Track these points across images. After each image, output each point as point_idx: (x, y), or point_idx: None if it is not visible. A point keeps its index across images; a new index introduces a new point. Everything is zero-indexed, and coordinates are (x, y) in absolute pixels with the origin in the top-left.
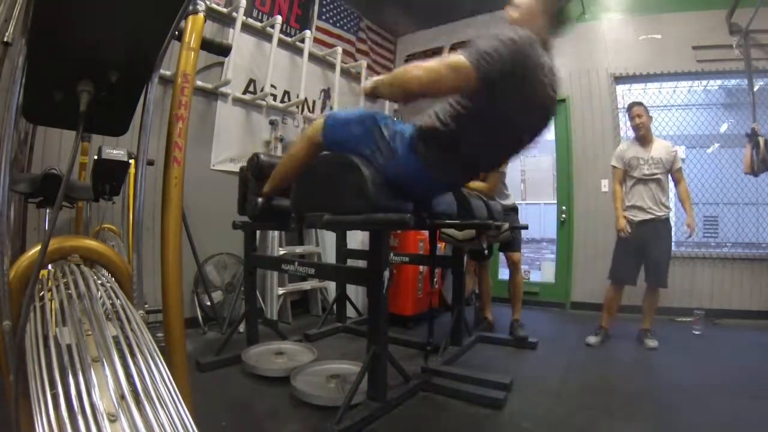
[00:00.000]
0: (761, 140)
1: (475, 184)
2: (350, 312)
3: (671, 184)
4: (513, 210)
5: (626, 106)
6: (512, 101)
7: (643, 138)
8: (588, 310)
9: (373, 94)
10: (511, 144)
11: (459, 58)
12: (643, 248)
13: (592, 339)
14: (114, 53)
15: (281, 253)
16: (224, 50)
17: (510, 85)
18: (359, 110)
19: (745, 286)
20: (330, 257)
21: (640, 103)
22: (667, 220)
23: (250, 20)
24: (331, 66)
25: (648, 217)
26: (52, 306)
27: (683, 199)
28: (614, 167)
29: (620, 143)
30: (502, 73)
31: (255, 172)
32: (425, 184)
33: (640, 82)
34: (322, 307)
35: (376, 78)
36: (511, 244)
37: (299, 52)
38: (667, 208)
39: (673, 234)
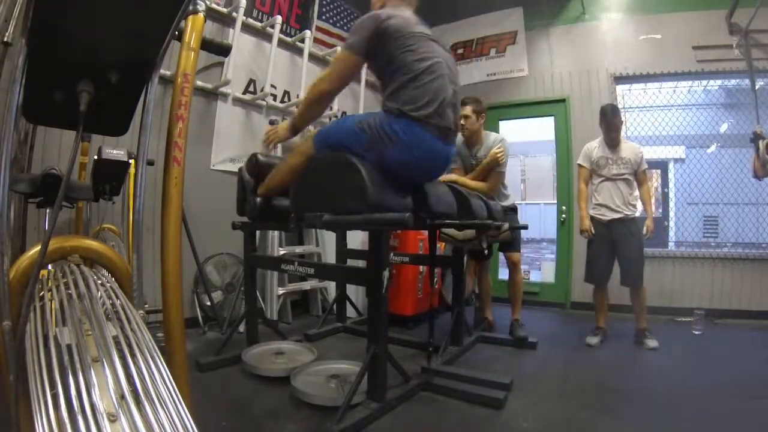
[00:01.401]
0: (762, 144)
1: (475, 183)
2: (350, 312)
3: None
4: (512, 210)
5: (602, 108)
6: (393, 42)
7: (613, 140)
8: (588, 310)
9: (294, 132)
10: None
11: (341, 53)
12: (614, 247)
13: (592, 339)
14: (114, 53)
15: (281, 253)
16: (224, 50)
17: (381, 37)
18: (342, 119)
19: (745, 286)
20: (330, 257)
21: (617, 112)
22: (635, 219)
23: (250, 20)
24: None
25: (617, 216)
26: (52, 306)
27: (645, 201)
28: (581, 166)
29: (588, 143)
30: (368, 38)
31: (254, 172)
32: (428, 149)
33: (640, 82)
34: (322, 307)
35: (283, 124)
36: (511, 244)
37: (299, 52)
38: (635, 207)
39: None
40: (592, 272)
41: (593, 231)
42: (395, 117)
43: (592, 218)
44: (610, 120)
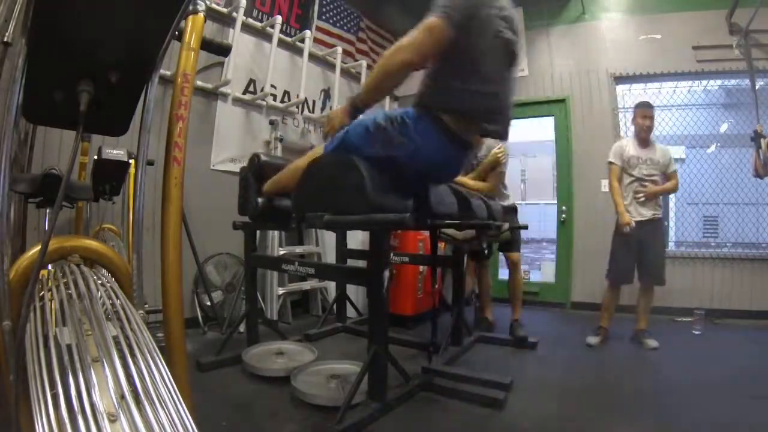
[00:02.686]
0: (763, 142)
1: (476, 183)
2: (350, 312)
3: None
4: (513, 210)
5: (636, 103)
6: (481, 39)
7: (644, 140)
8: (588, 310)
9: (355, 112)
10: (493, 82)
11: (430, 20)
12: (640, 248)
13: (592, 339)
14: (114, 53)
15: (281, 253)
16: (224, 50)
17: (476, 24)
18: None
19: (745, 286)
20: (330, 257)
21: (650, 105)
22: (661, 220)
23: (250, 20)
24: (331, 66)
25: (644, 218)
26: (52, 306)
27: (666, 187)
28: (612, 163)
29: (619, 140)
30: (466, 13)
31: (255, 172)
32: (441, 155)
33: (640, 82)
34: (322, 307)
35: (353, 96)
36: (511, 244)
37: (299, 52)
38: (661, 208)
39: (671, 235)
40: (616, 271)
41: (633, 224)
42: (425, 119)
43: (617, 220)
44: (645, 110)
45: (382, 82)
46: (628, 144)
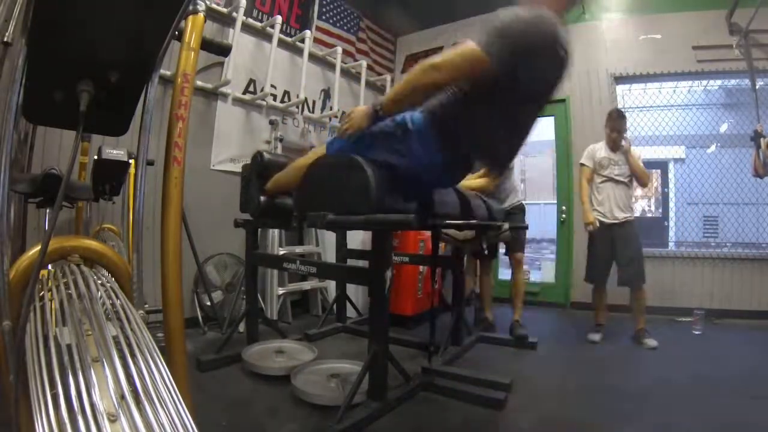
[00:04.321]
0: (763, 142)
1: (475, 182)
2: (350, 312)
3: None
4: (521, 210)
5: (609, 112)
6: (527, 74)
7: (614, 142)
8: (588, 310)
9: (376, 118)
10: (521, 130)
11: (472, 48)
12: (613, 250)
13: (594, 336)
14: (114, 53)
15: (281, 252)
16: (224, 50)
17: (524, 61)
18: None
19: (745, 286)
20: (330, 257)
21: (618, 117)
22: (633, 222)
23: (250, 20)
24: (331, 66)
25: (615, 221)
26: (52, 306)
27: (642, 167)
28: (584, 165)
29: (591, 144)
30: (514, 52)
31: (258, 169)
32: (439, 168)
33: (640, 82)
34: (322, 307)
35: (360, 108)
36: (515, 243)
37: (299, 52)
38: (633, 209)
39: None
40: (592, 273)
41: (597, 224)
42: (433, 125)
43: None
44: (615, 123)
45: (409, 96)
46: (600, 147)
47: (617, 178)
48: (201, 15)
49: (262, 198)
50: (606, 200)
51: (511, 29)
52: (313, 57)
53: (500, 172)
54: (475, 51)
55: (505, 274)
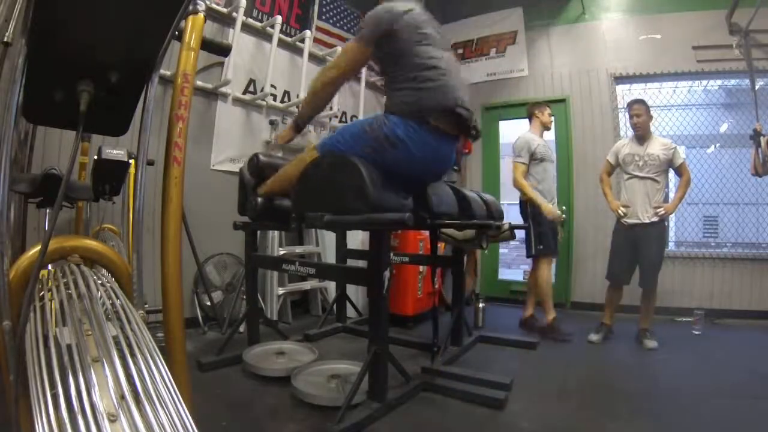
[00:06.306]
0: (763, 140)
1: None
2: (350, 312)
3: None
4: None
5: (627, 102)
6: (404, 40)
7: (641, 137)
8: (588, 310)
9: (297, 128)
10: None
11: (351, 45)
12: (636, 250)
13: (594, 336)
14: (114, 53)
15: (281, 253)
16: (224, 50)
17: (394, 32)
18: (347, 125)
19: (745, 286)
20: (330, 257)
21: (641, 101)
22: (658, 223)
23: (250, 20)
24: None
25: (638, 221)
26: (52, 306)
27: (679, 187)
28: (607, 160)
29: (619, 140)
30: (378, 30)
31: (255, 172)
32: (429, 150)
33: (640, 82)
34: (322, 307)
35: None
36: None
37: (299, 52)
38: (659, 210)
39: (671, 235)
40: (612, 271)
41: (623, 211)
42: (398, 118)
43: (617, 220)
44: (631, 109)
45: (315, 97)
46: (626, 143)
47: (643, 176)
48: (201, 15)
49: (259, 200)
50: (632, 199)
51: (371, 18)
52: (313, 57)
53: (469, 125)
54: (354, 45)
55: (504, 273)
